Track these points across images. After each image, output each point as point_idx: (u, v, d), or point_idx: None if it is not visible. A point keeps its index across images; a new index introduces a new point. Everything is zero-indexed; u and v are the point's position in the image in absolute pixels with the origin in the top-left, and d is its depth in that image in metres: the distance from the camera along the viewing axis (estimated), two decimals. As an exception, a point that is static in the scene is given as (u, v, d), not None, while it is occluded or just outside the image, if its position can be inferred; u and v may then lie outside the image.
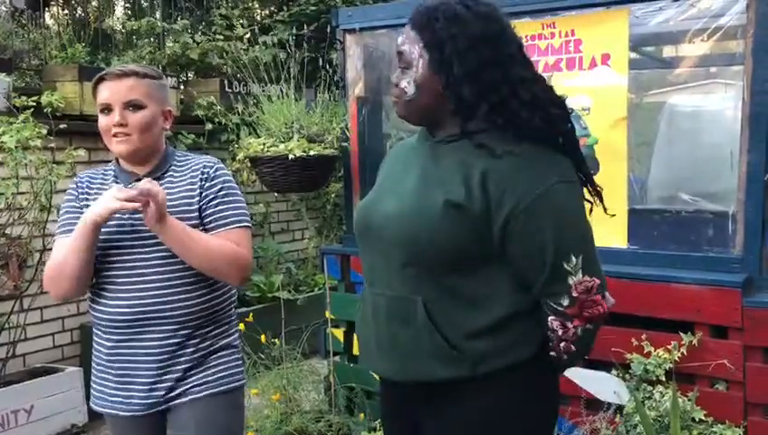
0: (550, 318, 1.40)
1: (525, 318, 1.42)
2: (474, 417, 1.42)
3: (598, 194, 1.47)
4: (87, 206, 1.79)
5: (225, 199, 1.78)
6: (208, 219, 1.75)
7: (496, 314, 1.39)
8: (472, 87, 1.35)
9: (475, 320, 1.39)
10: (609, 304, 1.41)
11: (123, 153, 1.76)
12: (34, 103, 3.50)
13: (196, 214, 1.76)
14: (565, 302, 1.36)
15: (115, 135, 1.74)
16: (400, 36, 1.44)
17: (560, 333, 1.39)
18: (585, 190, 1.45)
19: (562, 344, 1.41)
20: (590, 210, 1.45)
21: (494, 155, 1.34)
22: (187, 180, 1.79)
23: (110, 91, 1.74)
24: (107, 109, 1.75)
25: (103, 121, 1.76)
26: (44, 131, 3.35)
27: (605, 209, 1.48)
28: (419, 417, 1.51)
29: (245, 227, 1.78)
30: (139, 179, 1.72)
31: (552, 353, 1.44)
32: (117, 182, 1.81)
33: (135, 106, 1.74)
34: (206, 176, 1.78)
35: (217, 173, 1.80)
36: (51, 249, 3.52)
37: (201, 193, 1.77)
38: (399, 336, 1.42)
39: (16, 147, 3.18)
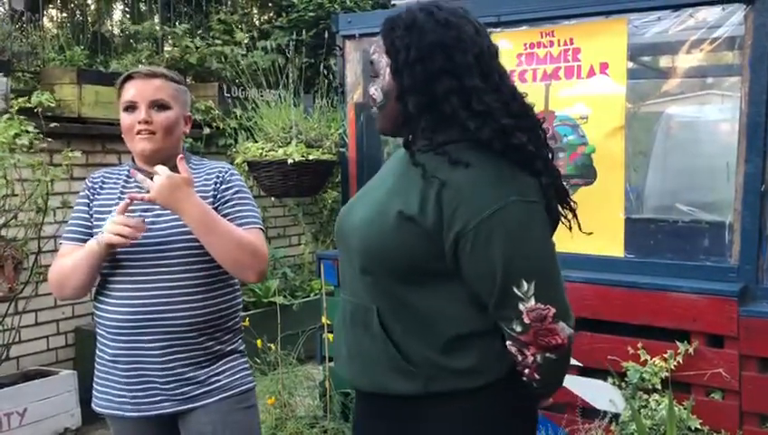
0: (507, 342, 1.32)
1: (486, 340, 1.34)
2: None
3: (571, 210, 1.40)
4: (98, 207, 1.78)
5: (241, 202, 1.79)
6: (226, 220, 1.75)
7: (451, 332, 1.32)
8: (418, 99, 1.30)
9: (429, 335, 1.33)
10: (565, 335, 1.29)
11: (146, 151, 1.75)
12: (29, 104, 3.49)
13: None
14: (518, 328, 1.28)
15: (139, 132, 1.73)
16: (372, 45, 1.41)
17: (519, 359, 1.32)
18: (559, 207, 1.37)
19: (526, 371, 1.32)
20: (570, 227, 1.40)
21: (424, 177, 1.28)
22: (201, 183, 1.79)
23: (136, 90, 1.74)
24: (132, 107, 1.75)
25: (127, 120, 1.75)
26: (32, 129, 3.30)
27: (579, 227, 1.40)
28: (382, 431, 1.45)
29: (260, 228, 1.79)
30: (151, 177, 1.70)
31: (524, 379, 1.35)
32: (128, 182, 1.80)
33: (161, 106, 1.75)
34: (220, 179, 1.80)
35: (232, 177, 1.83)
36: (46, 251, 3.56)
37: (215, 195, 1.78)
38: (361, 343, 1.40)
39: (4, 145, 3.14)
